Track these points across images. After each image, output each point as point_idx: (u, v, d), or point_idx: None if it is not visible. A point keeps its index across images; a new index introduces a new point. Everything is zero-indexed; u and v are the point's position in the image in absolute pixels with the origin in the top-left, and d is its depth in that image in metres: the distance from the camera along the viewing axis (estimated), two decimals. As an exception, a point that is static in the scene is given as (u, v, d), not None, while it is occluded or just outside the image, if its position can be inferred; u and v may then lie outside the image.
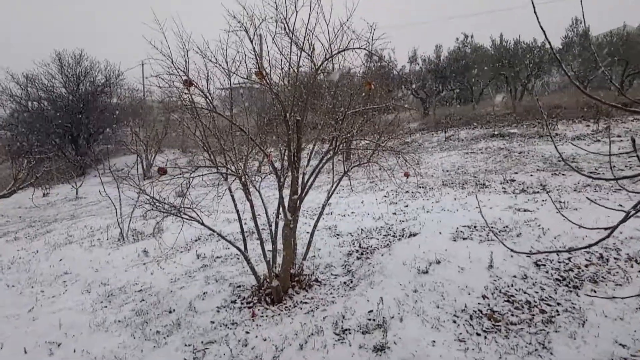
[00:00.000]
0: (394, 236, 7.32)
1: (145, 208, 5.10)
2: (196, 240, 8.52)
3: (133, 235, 9.27)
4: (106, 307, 6.15)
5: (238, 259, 7.11)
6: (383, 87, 6.62)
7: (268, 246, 6.39)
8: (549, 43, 2.24)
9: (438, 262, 5.87)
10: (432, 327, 4.46)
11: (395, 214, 8.60)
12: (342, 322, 4.65)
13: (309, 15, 4.41)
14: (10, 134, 23.55)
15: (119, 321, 5.59)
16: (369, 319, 4.67)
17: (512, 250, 2.56)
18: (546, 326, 4.34)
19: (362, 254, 6.77)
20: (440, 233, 6.98)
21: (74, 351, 4.96)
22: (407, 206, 9.04)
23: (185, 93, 4.74)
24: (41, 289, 7.19)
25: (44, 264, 8.32)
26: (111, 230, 9.82)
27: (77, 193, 18.69)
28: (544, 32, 2.11)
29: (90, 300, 6.46)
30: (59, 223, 12.88)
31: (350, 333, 4.44)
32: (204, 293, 5.94)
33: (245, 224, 7.50)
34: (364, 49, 4.62)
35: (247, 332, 4.77)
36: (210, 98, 4.88)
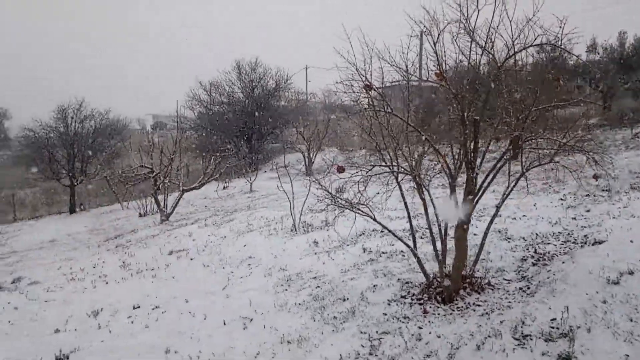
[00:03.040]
0: (574, 243, 6.75)
1: (326, 202, 5.54)
2: (360, 235, 8.89)
3: (303, 227, 10.04)
4: (286, 290, 6.82)
5: (404, 255, 7.26)
6: (562, 80, 6.14)
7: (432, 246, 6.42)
8: None
9: (631, 273, 5.26)
10: (625, 340, 4.06)
11: (575, 218, 7.90)
12: (521, 327, 4.49)
13: (493, 12, 4.34)
14: (197, 134, 27.20)
15: (299, 304, 6.16)
16: (552, 327, 4.43)
17: None
18: None
19: (538, 260, 6.39)
20: (631, 242, 6.24)
21: (264, 327, 5.63)
22: (588, 211, 8.23)
23: (365, 96, 5.03)
24: (231, 270, 8.24)
25: (231, 248, 9.50)
26: (284, 221, 10.75)
27: (251, 187, 20.78)
28: None
29: (271, 283, 7.22)
30: (238, 213, 14.51)
31: (531, 339, 4.27)
32: (374, 286, 6.21)
33: (407, 222, 7.61)
34: (553, 44, 4.37)
35: (420, 328, 4.89)
36: (387, 100, 5.10)
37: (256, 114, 24.44)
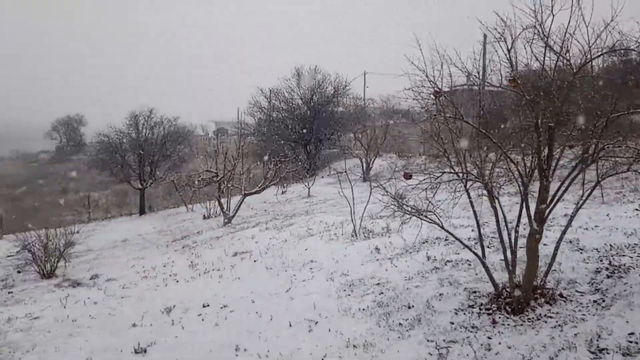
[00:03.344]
0: (654, 256, 6.38)
1: (392, 208, 5.58)
2: (424, 243, 8.81)
3: (364, 233, 10.08)
4: (349, 295, 6.90)
5: (470, 264, 7.14)
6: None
7: (499, 255, 6.27)
8: None
9: None
10: None
11: (654, 230, 7.46)
12: (597, 341, 4.33)
13: (569, 17, 4.24)
14: (257, 140, 27.94)
15: (363, 309, 6.22)
16: (630, 342, 4.24)
17: None
18: None
19: (613, 272, 6.10)
20: None
21: (329, 330, 5.74)
22: (669, 222, 7.74)
23: (433, 103, 5.04)
24: (293, 273, 8.43)
25: (293, 252, 9.70)
26: (344, 226, 10.84)
27: (309, 192, 21.06)
28: None
29: (334, 287, 7.32)
30: (297, 217, 14.76)
31: (608, 353, 4.11)
32: (440, 294, 6.17)
33: (472, 230, 7.47)
34: (633, 49, 4.21)
35: (489, 338, 4.82)
36: (456, 106, 5.08)
37: (314, 119, 24.79)
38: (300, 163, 23.99)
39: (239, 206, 17.05)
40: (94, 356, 5.74)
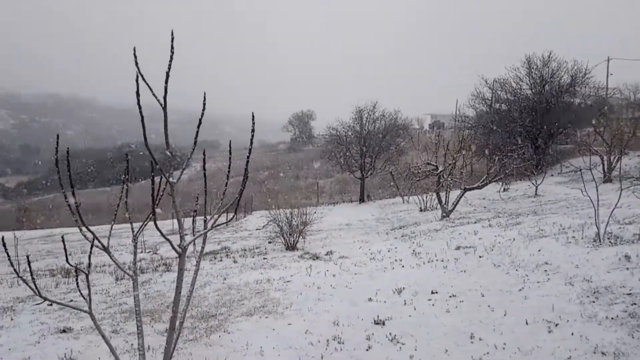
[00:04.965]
0: None
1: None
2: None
3: (609, 239, 8.99)
4: (593, 302, 6.29)
5: None
6: None
7: None
8: None
9: None
10: None
11: None
12: None
13: None
14: (477, 133, 27.00)
15: (612, 318, 5.63)
16: None
17: None
18: None
19: None
20: None
21: (572, 334, 5.37)
22: None
23: None
24: (525, 273, 8.05)
25: (523, 252, 9.24)
26: (584, 230, 9.83)
27: (536, 190, 19.54)
28: None
29: (574, 292, 6.76)
30: (524, 217, 13.91)
31: None
32: None
33: None
34: None
35: None
36: None
37: (545, 112, 22.71)
38: (527, 159, 22.36)
39: (458, 201, 16.91)
40: (340, 320, 6.54)
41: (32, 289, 3.82)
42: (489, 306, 6.60)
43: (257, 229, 20.24)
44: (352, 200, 28.79)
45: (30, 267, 4.02)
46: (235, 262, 11.86)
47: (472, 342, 5.47)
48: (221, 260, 12.28)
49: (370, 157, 26.96)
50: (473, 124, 26.73)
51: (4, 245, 3.94)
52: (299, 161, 51.72)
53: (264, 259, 12.02)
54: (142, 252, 15.47)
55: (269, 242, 14.77)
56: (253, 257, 12.51)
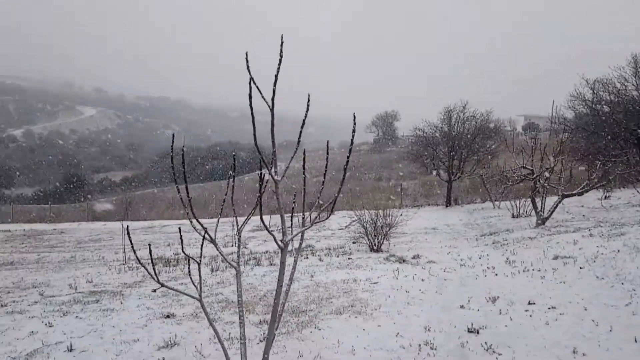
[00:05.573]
0: None
1: None
2: None
3: None
4: None
5: None
6: None
7: None
8: None
9: None
10: None
11: None
12: None
13: None
14: (575, 136, 25.18)
15: None
16: None
17: None
18: None
19: None
20: None
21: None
22: None
23: None
24: (632, 287, 7.42)
25: (630, 264, 8.52)
26: None
27: (645, 199, 17.87)
28: None
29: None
30: (629, 227, 12.78)
31: None
32: None
33: None
34: None
35: None
36: None
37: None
38: (632, 165, 20.47)
39: (555, 207, 15.89)
40: (432, 325, 6.46)
41: (151, 276, 4.19)
42: (592, 320, 6.18)
43: (339, 229, 20.43)
44: (438, 203, 28.09)
45: (151, 255, 4.42)
46: (320, 260, 12.10)
47: (574, 358, 5.17)
48: (307, 257, 12.58)
49: (459, 160, 26.12)
50: (572, 127, 24.94)
51: (129, 234, 4.39)
52: (382, 162, 51.39)
53: (349, 259, 12.14)
54: (232, 245, 16.28)
55: (353, 243, 14.88)
56: (338, 256, 12.67)
